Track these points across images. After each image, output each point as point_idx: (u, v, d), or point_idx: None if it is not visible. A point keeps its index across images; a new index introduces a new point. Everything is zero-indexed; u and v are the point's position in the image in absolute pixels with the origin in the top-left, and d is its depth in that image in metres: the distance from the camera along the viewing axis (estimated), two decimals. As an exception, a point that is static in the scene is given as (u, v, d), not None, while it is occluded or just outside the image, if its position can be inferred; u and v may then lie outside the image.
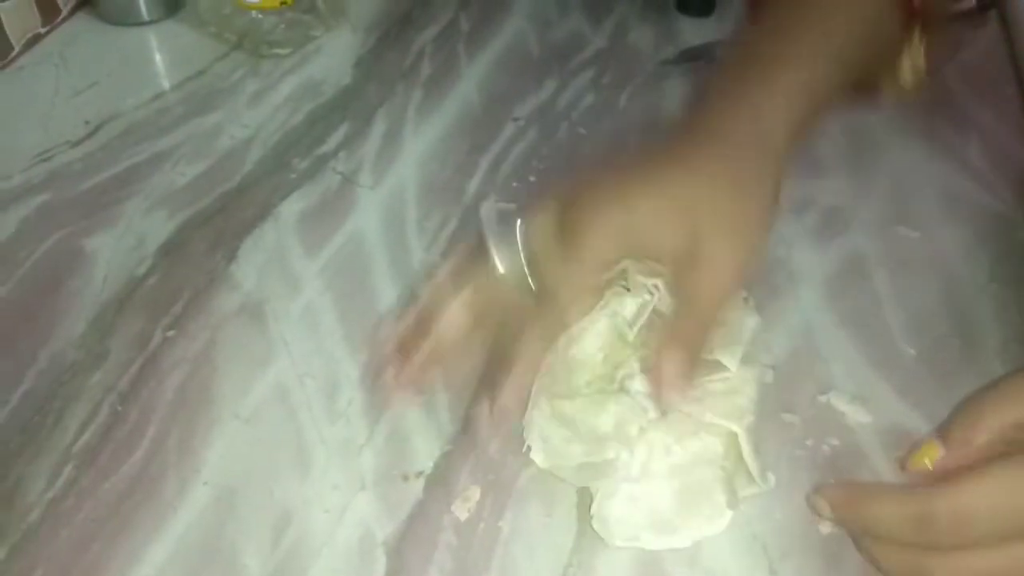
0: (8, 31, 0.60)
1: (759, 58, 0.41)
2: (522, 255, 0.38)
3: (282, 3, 0.62)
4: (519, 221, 0.39)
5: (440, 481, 0.38)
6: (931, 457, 0.32)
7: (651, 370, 0.37)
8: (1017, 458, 0.30)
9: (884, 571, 0.33)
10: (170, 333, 0.44)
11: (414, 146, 0.56)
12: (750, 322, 0.41)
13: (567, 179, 0.40)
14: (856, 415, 0.41)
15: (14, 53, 0.61)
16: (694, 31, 0.66)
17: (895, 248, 0.49)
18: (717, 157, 0.39)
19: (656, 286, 0.39)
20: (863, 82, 0.44)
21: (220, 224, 0.50)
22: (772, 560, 0.36)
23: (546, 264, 0.38)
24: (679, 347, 0.37)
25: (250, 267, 0.48)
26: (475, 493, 0.38)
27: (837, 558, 0.36)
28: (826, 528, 0.36)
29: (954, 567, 0.31)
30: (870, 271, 0.48)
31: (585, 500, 0.38)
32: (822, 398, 0.41)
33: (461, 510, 0.37)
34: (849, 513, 0.34)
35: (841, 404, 0.41)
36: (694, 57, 0.63)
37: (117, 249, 0.48)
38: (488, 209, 0.41)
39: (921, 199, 0.53)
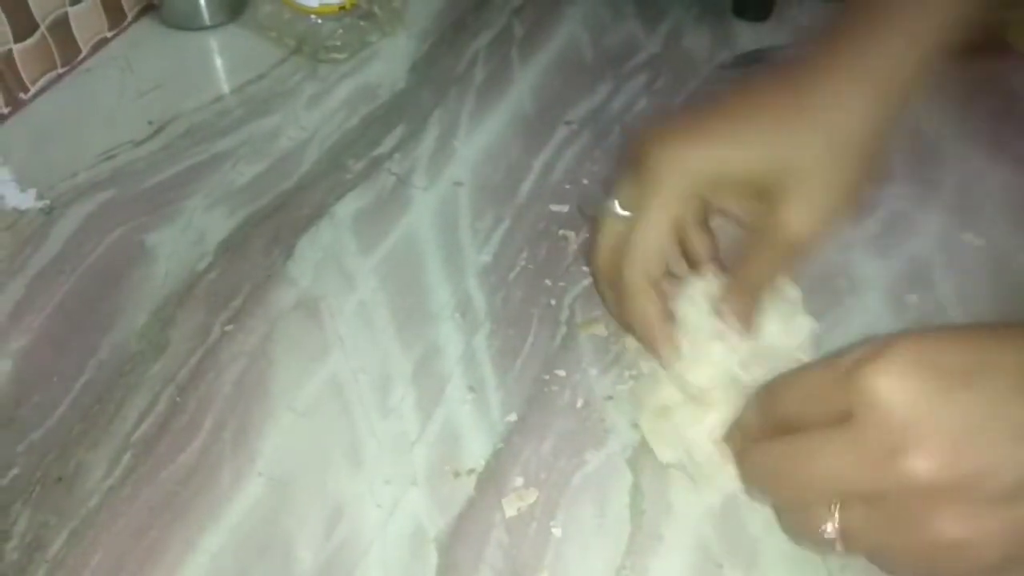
0: (77, 35, 0.62)
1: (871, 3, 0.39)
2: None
3: (340, 8, 0.63)
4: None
5: (491, 478, 0.38)
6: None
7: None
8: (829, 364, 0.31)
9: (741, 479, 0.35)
10: (228, 327, 0.44)
11: (467, 149, 0.56)
12: (804, 323, 0.40)
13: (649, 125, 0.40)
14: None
15: (82, 56, 0.63)
16: (751, 36, 0.66)
17: (959, 256, 0.48)
18: (816, 90, 0.37)
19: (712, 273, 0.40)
20: (989, 37, 0.43)
21: (278, 222, 0.51)
22: (831, 571, 0.35)
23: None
24: (744, 290, 0.38)
25: (306, 264, 0.48)
26: (531, 494, 0.37)
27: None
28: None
29: (760, 454, 0.32)
30: (934, 279, 0.47)
31: (638, 501, 0.37)
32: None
33: (512, 508, 0.37)
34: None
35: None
36: (751, 61, 0.62)
37: (178, 244, 0.49)
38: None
39: (987, 207, 0.51)
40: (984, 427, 0.27)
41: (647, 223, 0.38)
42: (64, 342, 0.44)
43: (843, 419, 0.29)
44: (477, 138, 0.57)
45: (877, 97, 0.37)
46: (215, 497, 0.37)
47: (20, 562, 0.35)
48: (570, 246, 0.49)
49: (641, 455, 0.39)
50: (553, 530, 0.36)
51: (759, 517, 0.36)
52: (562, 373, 0.42)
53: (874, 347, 0.29)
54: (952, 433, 0.27)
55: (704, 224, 0.41)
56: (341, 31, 0.64)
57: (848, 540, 0.30)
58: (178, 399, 0.41)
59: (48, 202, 0.52)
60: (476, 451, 0.39)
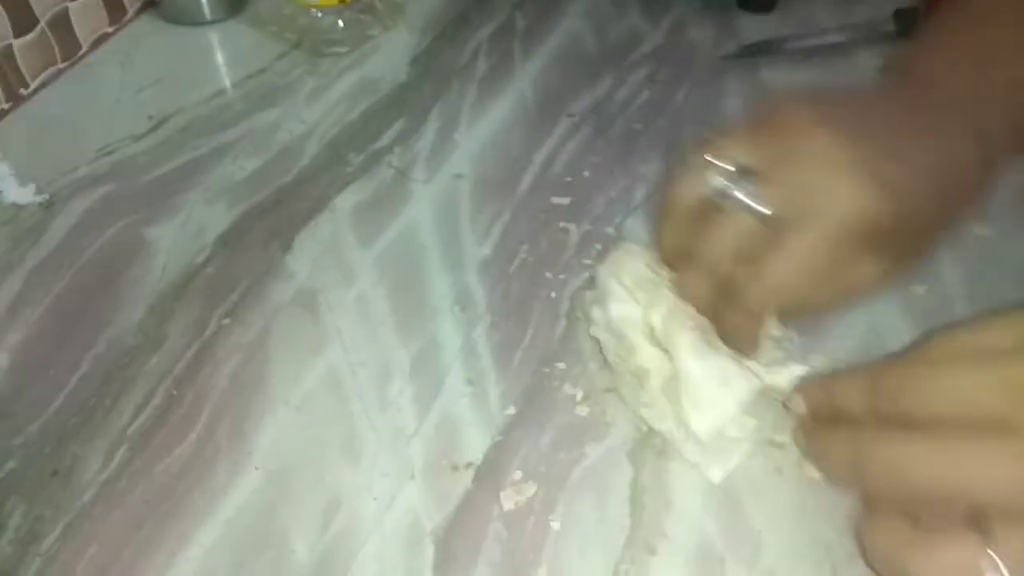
0: (77, 30, 0.62)
1: (970, 52, 0.37)
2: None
3: (340, 1, 0.63)
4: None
5: (490, 472, 0.37)
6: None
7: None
8: (980, 365, 0.28)
9: (824, 465, 0.32)
10: (226, 321, 0.44)
11: (468, 142, 0.55)
12: (795, 369, 0.37)
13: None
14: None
15: (82, 52, 0.63)
16: (755, 28, 0.65)
17: (968, 247, 0.47)
18: (911, 110, 0.35)
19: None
20: None
21: (277, 216, 0.50)
22: (836, 563, 0.34)
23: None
24: (746, 313, 0.35)
25: (305, 258, 0.48)
26: (530, 488, 0.37)
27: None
28: None
29: (889, 446, 0.28)
30: (941, 270, 0.46)
31: (638, 495, 0.37)
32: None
33: (511, 501, 0.36)
34: (816, 398, 0.33)
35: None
36: (755, 52, 0.61)
37: (177, 238, 0.49)
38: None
39: (995, 197, 0.50)
40: None
41: (802, 246, 0.33)
42: (61, 336, 0.44)
43: (998, 427, 0.27)
44: (478, 131, 0.56)
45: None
46: (211, 490, 0.37)
47: (14, 555, 0.35)
48: (571, 238, 0.48)
49: (642, 449, 0.38)
50: (552, 524, 0.36)
51: (762, 510, 0.36)
52: (562, 366, 0.42)
53: None
54: None
55: None
56: (342, 25, 0.63)
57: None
58: (174, 393, 0.41)
59: (47, 196, 0.51)
60: (474, 444, 0.39)
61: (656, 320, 0.37)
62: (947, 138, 0.35)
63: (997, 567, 0.26)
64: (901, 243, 0.35)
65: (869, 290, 0.37)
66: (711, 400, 0.36)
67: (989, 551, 0.26)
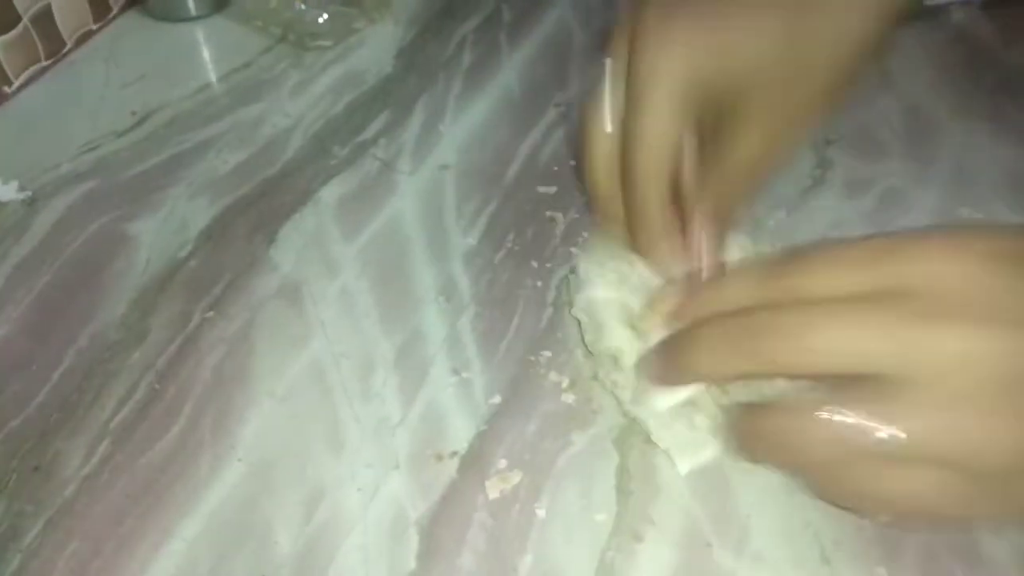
0: (61, 28, 0.61)
1: None
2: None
3: (325, -9, 0.62)
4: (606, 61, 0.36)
5: (475, 461, 0.37)
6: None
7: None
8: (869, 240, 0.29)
9: (711, 364, 0.30)
10: (209, 314, 0.44)
11: (454, 133, 0.55)
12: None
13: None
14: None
15: (66, 49, 0.62)
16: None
17: (956, 230, 0.47)
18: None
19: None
20: None
21: (261, 209, 0.50)
22: (824, 548, 0.34)
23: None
24: (710, 201, 0.35)
25: (289, 250, 0.47)
26: (515, 476, 0.37)
27: (893, 547, 0.34)
28: (884, 517, 0.34)
29: (790, 316, 0.28)
30: (929, 253, 0.46)
31: (624, 482, 0.36)
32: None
33: (495, 490, 0.36)
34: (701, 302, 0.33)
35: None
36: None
37: (160, 233, 0.48)
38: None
39: (985, 181, 0.50)
40: None
41: (652, 104, 0.33)
42: (43, 332, 0.43)
43: (891, 294, 0.26)
44: (464, 122, 0.56)
45: (874, 17, 0.35)
46: (193, 483, 0.37)
47: (-6, 551, 0.34)
48: (557, 227, 0.48)
49: (628, 436, 0.38)
50: (537, 512, 0.35)
51: (750, 494, 0.36)
52: (548, 354, 0.41)
53: (934, 229, 0.27)
54: (1010, 312, 0.25)
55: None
56: (327, 18, 0.63)
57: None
58: (157, 386, 0.40)
59: (30, 193, 0.51)
60: (459, 434, 0.38)
61: (632, 302, 0.37)
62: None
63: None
64: None
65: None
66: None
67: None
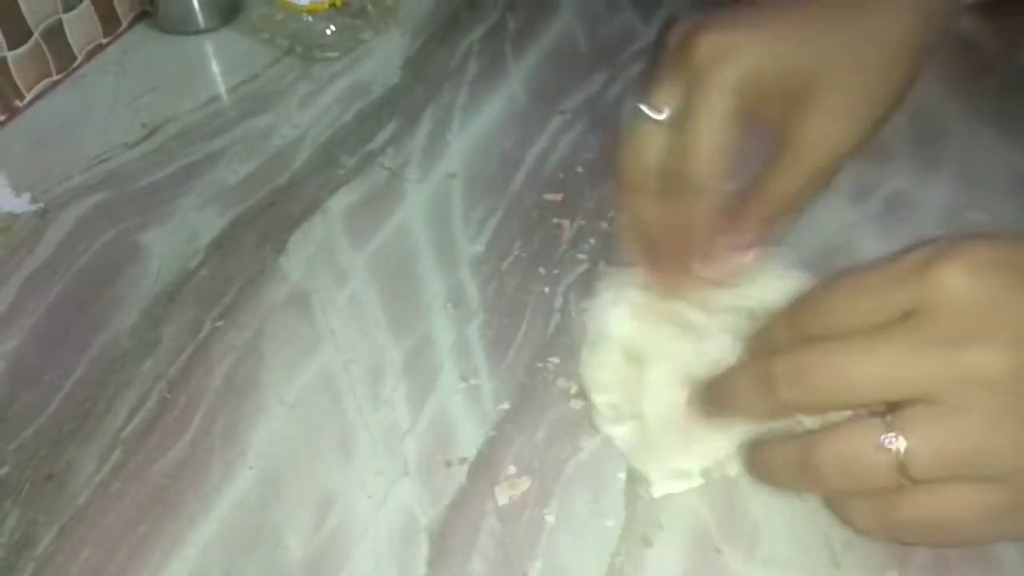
0: (72, 42, 0.62)
1: None
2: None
3: (331, 5, 0.63)
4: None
5: (484, 467, 0.37)
6: None
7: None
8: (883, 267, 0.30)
9: (734, 403, 0.33)
10: (219, 323, 0.44)
11: (460, 141, 0.55)
12: (800, 277, 0.39)
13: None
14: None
15: (77, 63, 0.63)
16: (746, 22, 0.65)
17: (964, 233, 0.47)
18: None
19: None
20: None
21: (270, 219, 0.50)
22: (835, 551, 0.34)
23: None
24: (764, 200, 0.36)
25: (298, 259, 0.48)
26: (524, 482, 0.37)
27: (904, 551, 0.33)
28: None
29: (822, 355, 0.29)
30: (937, 257, 0.46)
31: (633, 487, 0.36)
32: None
33: (505, 496, 0.36)
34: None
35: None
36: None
37: (171, 243, 0.49)
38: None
39: (992, 183, 0.50)
40: None
41: (708, 111, 0.34)
42: (56, 341, 0.44)
43: (904, 319, 0.27)
44: (470, 130, 0.56)
45: (923, 13, 0.36)
46: (205, 491, 0.37)
47: (8, 560, 0.35)
48: (564, 234, 0.48)
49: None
50: (547, 518, 0.35)
51: (759, 499, 0.35)
52: (556, 361, 0.42)
53: (940, 246, 0.28)
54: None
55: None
56: (334, 30, 0.63)
57: (914, 454, 0.27)
58: (168, 395, 0.41)
59: (42, 205, 0.52)
60: (468, 440, 0.38)
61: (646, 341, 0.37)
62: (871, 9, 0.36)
63: (896, 441, 0.27)
64: None
65: None
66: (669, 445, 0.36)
67: (889, 428, 0.27)
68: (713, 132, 0.34)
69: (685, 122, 0.35)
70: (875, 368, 0.28)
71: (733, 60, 0.34)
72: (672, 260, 0.38)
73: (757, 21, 0.35)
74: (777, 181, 0.36)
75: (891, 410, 0.28)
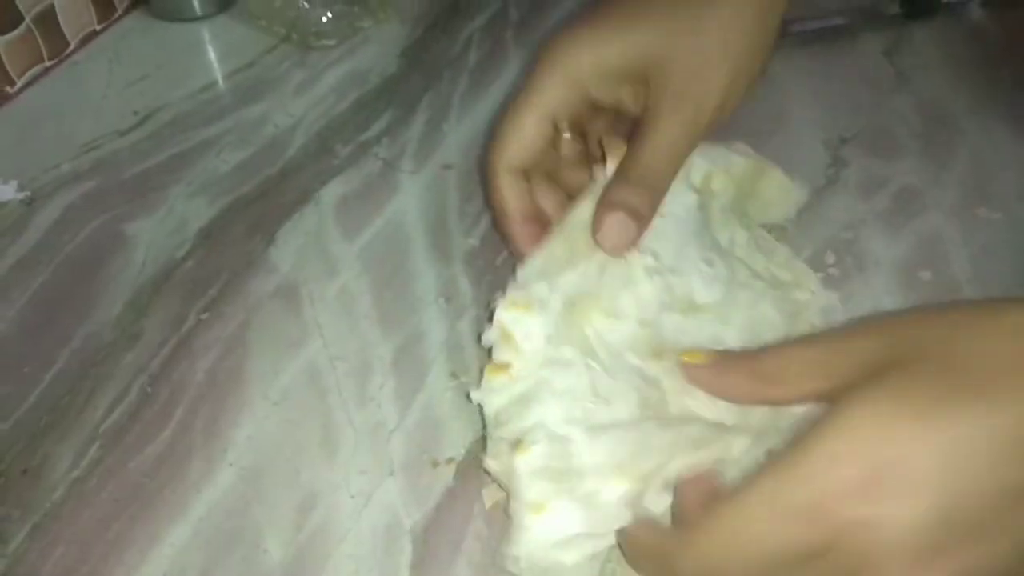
0: (64, 28, 0.61)
1: None
2: None
3: (328, -12, 0.62)
4: None
5: (472, 468, 0.36)
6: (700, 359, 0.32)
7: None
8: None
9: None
10: (204, 315, 0.43)
11: (457, 132, 0.54)
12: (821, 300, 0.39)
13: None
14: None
15: (70, 49, 0.62)
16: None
17: (975, 231, 0.45)
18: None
19: None
20: None
21: (261, 209, 0.49)
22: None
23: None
24: (613, 208, 0.35)
25: (288, 250, 0.46)
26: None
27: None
28: None
29: None
30: (948, 255, 0.44)
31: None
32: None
33: (491, 499, 0.35)
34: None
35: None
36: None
37: (158, 233, 0.48)
38: None
39: (1003, 180, 0.49)
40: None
41: (515, 110, 0.38)
42: (37, 332, 0.43)
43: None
44: (468, 121, 0.55)
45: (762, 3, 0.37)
46: (183, 488, 0.36)
47: (-22, 557, 0.34)
48: (561, 228, 0.47)
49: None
50: (536, 521, 0.34)
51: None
52: (550, 358, 0.40)
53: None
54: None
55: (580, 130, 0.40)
56: (331, 17, 0.62)
57: None
58: (149, 389, 0.40)
59: (29, 193, 0.51)
60: (457, 440, 0.37)
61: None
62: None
63: None
64: None
65: None
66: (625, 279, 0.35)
67: None
68: (516, 127, 0.38)
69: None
70: None
71: (558, 64, 0.37)
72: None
73: (597, 22, 0.37)
74: (635, 160, 0.36)
75: None
